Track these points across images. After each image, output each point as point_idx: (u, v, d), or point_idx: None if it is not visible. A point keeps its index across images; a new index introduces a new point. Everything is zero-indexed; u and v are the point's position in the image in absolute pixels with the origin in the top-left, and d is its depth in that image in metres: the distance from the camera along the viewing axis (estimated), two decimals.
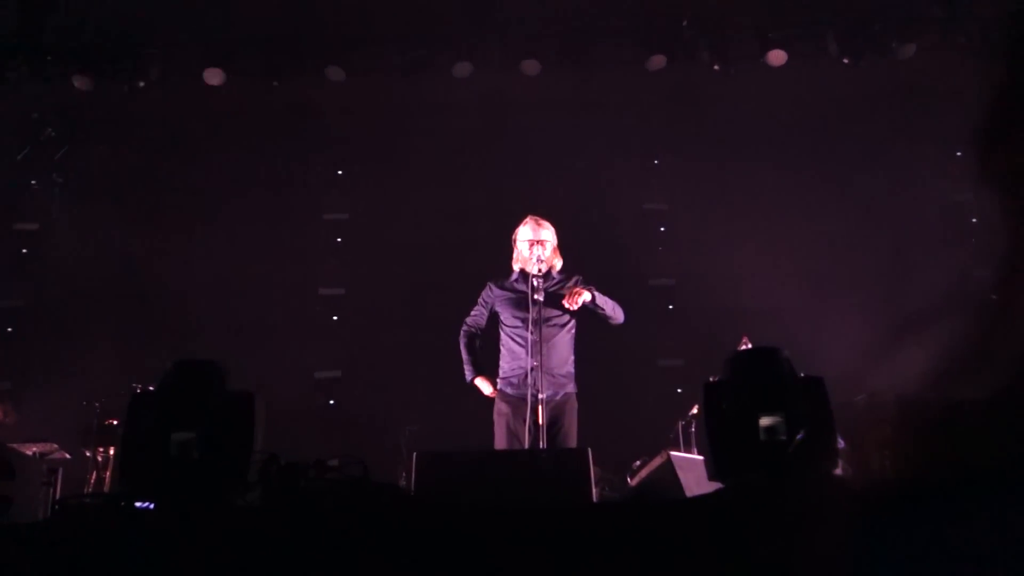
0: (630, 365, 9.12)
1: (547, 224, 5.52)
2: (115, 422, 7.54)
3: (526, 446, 4.87)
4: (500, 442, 5.16)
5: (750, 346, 6.74)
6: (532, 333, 5.13)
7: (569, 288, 5.31)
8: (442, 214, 9.55)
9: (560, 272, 5.51)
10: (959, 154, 10.21)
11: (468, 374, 5.58)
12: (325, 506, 2.54)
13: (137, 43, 8.80)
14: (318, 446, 9.11)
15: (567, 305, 5.15)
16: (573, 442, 5.07)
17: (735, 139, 10.00)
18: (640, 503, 3.42)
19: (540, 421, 4.75)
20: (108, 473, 7.45)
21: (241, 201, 9.72)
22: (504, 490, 3.10)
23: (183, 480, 2.59)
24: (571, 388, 5.32)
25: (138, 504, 2.59)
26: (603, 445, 6.11)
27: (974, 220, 10.05)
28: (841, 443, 6.85)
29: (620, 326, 5.50)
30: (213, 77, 8.76)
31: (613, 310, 5.36)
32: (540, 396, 4.83)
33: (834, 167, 9.84)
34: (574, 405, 5.26)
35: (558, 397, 5.07)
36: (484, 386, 5.50)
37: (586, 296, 5.20)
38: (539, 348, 4.96)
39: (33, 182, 10.27)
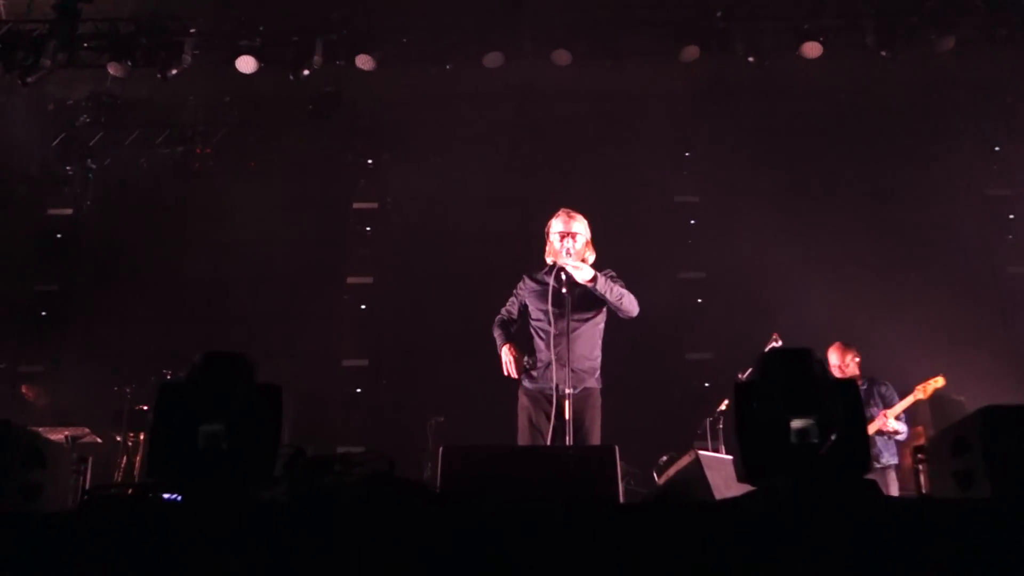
0: (658, 358, 9.06)
1: (579, 217, 5.45)
2: (145, 408, 7.62)
3: (546, 440, 4.85)
4: (523, 436, 5.13)
5: (780, 344, 6.67)
6: (553, 326, 5.09)
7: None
8: (472, 204, 9.52)
9: (592, 266, 5.43)
10: (997, 149, 10.05)
11: (499, 342, 5.47)
12: (350, 502, 2.53)
13: (170, 31, 8.84)
14: (344, 434, 9.22)
15: (567, 268, 5.05)
16: (595, 438, 5.00)
17: (768, 132, 9.90)
18: (667, 504, 3.39)
19: (566, 416, 4.72)
20: (139, 458, 7.53)
21: (272, 190, 9.76)
22: (529, 487, 3.08)
23: (211, 472, 2.59)
24: (593, 383, 5.22)
25: (166, 496, 2.60)
26: (630, 439, 6.06)
27: (1011, 216, 9.88)
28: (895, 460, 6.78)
29: (636, 318, 5.30)
30: (245, 65, 8.79)
31: (619, 300, 5.18)
32: (566, 391, 4.80)
33: (869, 161, 9.72)
34: (597, 400, 5.18)
35: (577, 391, 4.97)
36: (507, 353, 5.34)
37: (584, 272, 5.06)
38: (560, 341, 4.92)
39: (68, 168, 10.38)
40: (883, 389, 6.89)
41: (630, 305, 5.24)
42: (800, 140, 9.82)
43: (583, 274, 5.06)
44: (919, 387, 6.70)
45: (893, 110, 9.83)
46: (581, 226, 5.40)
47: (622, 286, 5.31)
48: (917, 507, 2.63)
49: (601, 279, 5.12)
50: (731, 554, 2.28)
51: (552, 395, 4.89)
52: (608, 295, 5.14)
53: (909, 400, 6.69)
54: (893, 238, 9.30)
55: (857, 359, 7.02)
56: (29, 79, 8.59)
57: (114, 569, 2.26)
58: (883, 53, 8.63)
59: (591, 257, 5.44)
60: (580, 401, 5.01)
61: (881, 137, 9.82)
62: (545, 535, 2.31)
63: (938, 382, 6.69)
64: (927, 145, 9.79)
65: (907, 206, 9.46)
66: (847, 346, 7.08)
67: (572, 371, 4.92)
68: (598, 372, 5.29)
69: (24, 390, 8.64)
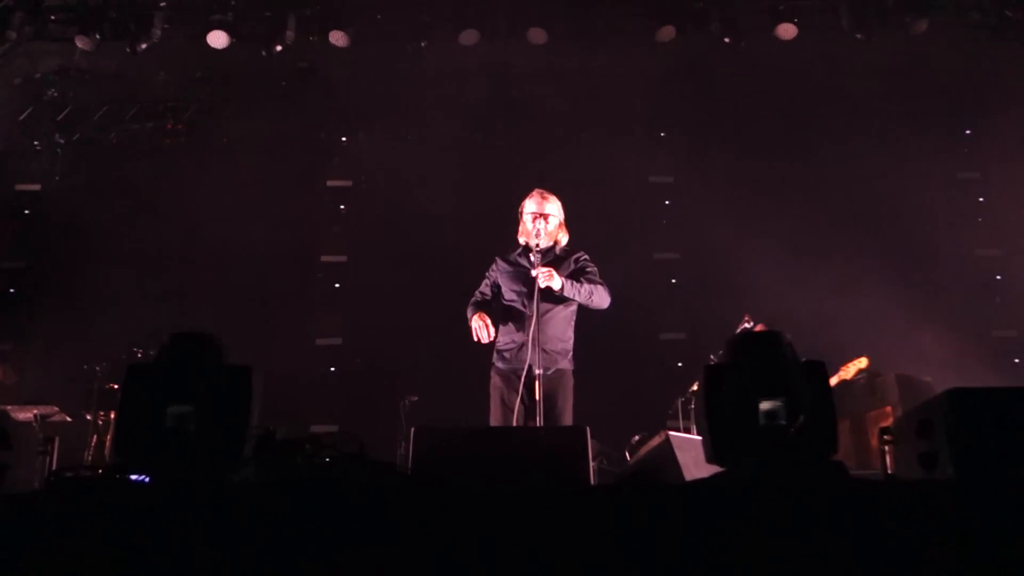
0: (632, 338, 9.09)
1: (553, 198, 5.44)
2: (115, 387, 7.55)
3: (517, 421, 4.85)
4: (495, 415, 5.13)
5: (752, 324, 6.72)
6: (526, 308, 5.10)
7: (566, 265, 5.25)
8: (446, 183, 9.47)
9: (565, 248, 5.43)
10: (968, 132, 10.15)
11: (470, 314, 5.43)
12: (320, 483, 2.53)
13: (140, 4, 8.69)
14: (318, 413, 9.18)
15: (536, 278, 5.00)
16: (567, 419, 5.02)
17: (743, 113, 9.94)
18: (637, 485, 3.42)
19: (537, 396, 4.73)
20: (109, 437, 7.47)
21: (244, 166, 9.65)
22: (501, 468, 3.09)
23: (179, 454, 2.57)
24: (565, 364, 5.22)
25: (133, 477, 2.58)
26: (602, 418, 6.10)
27: (981, 199, 9.98)
28: None
29: (609, 307, 5.30)
30: (217, 40, 8.66)
31: (588, 298, 5.18)
32: (537, 372, 4.81)
33: (842, 143, 9.77)
34: (568, 382, 5.20)
35: (549, 372, 4.99)
36: (477, 319, 5.28)
37: (553, 283, 5.01)
38: (533, 323, 4.91)
39: (35, 143, 10.21)
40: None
41: (600, 300, 5.23)
42: (774, 121, 9.86)
43: (554, 284, 5.02)
44: (843, 367, 6.77)
45: (866, 92, 9.88)
46: (554, 207, 5.40)
47: (594, 275, 5.31)
48: (883, 488, 2.67)
49: (568, 285, 5.10)
50: (700, 533, 2.30)
51: (525, 376, 4.90)
52: (577, 297, 5.16)
53: (833, 380, 6.73)
54: (864, 220, 9.37)
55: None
56: None
57: (81, 550, 2.24)
58: (858, 35, 8.67)
59: (564, 238, 5.44)
60: (552, 382, 5.02)
61: (854, 119, 9.88)
62: (515, 516, 2.32)
63: (861, 363, 6.74)
64: (899, 127, 9.86)
65: (878, 188, 9.52)
66: (770, 326, 7.14)
67: (544, 352, 4.93)
68: (570, 353, 5.30)
69: None
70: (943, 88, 10.01)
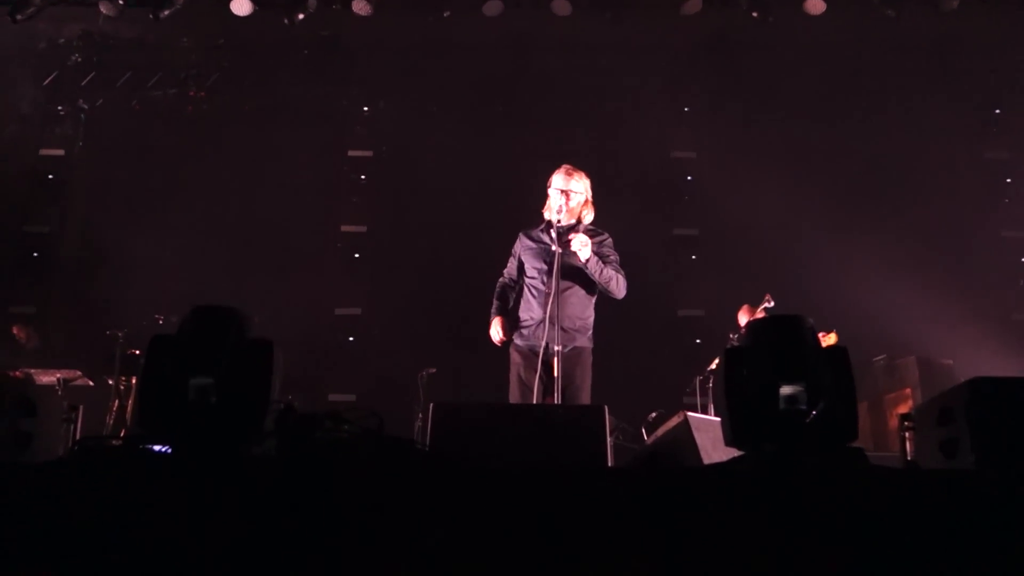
0: (650, 314, 9.05)
1: (580, 175, 5.36)
2: (137, 352, 7.63)
3: (535, 398, 4.85)
4: (513, 393, 5.14)
5: (773, 304, 6.69)
6: (546, 285, 5.07)
7: (593, 242, 5.20)
8: (467, 155, 9.44)
9: (589, 226, 5.37)
10: (997, 111, 9.99)
11: (492, 314, 5.47)
12: (340, 458, 2.55)
13: None
14: (336, 382, 9.25)
15: (572, 242, 4.98)
16: (585, 398, 5.00)
17: (768, 88, 9.82)
18: (654, 466, 3.42)
19: (555, 374, 4.73)
20: (131, 402, 7.56)
21: (265, 135, 9.66)
22: (518, 446, 3.10)
23: (200, 426, 2.59)
24: (584, 342, 5.16)
25: (155, 448, 2.60)
26: (620, 394, 6.12)
27: (1008, 180, 9.85)
28: None
29: (629, 274, 5.28)
30: (240, 7, 8.63)
31: (607, 283, 5.12)
32: (555, 348, 4.80)
33: (867, 121, 9.65)
34: (588, 359, 5.14)
35: (566, 350, 4.97)
36: (495, 329, 5.32)
37: (583, 252, 4.98)
38: (551, 300, 4.91)
39: (59, 108, 10.25)
40: None
41: (617, 289, 5.16)
42: (799, 98, 9.73)
43: (583, 252, 4.99)
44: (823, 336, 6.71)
45: (894, 70, 9.73)
46: (579, 185, 5.32)
47: (616, 264, 5.25)
48: (903, 476, 2.66)
49: (593, 261, 5.05)
50: (717, 519, 2.30)
51: (543, 353, 4.89)
52: (598, 277, 5.10)
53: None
54: (888, 199, 9.28)
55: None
56: (19, 16, 8.44)
57: (103, 520, 2.27)
58: (888, 12, 8.52)
59: (589, 216, 5.38)
60: (570, 360, 5.00)
61: (880, 97, 9.74)
62: (532, 497, 2.33)
63: (830, 339, 6.66)
64: (927, 106, 9.71)
65: (904, 167, 9.41)
66: (753, 307, 7.10)
67: (563, 330, 4.92)
68: (590, 331, 5.25)
69: (15, 331, 8.64)
70: (972, 67, 9.85)
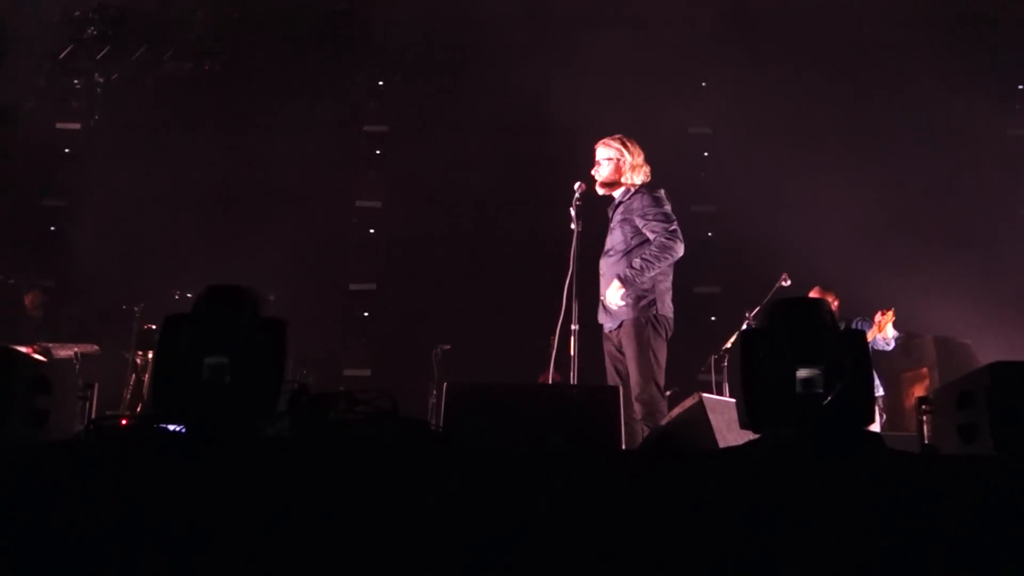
0: None
1: (605, 142, 5.28)
2: (153, 327, 7.67)
3: (572, 380, 4.81)
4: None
5: (789, 283, 6.64)
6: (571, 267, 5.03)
7: (623, 210, 5.14)
8: (484, 129, 9.39)
9: (631, 188, 5.21)
10: (1021, 87, 9.84)
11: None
12: (353, 439, 2.54)
13: None
14: (351, 358, 9.29)
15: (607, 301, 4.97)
16: (632, 369, 4.86)
17: (787, 64, 9.68)
18: (669, 448, 3.41)
19: (571, 352, 4.73)
20: (147, 377, 7.61)
21: (281, 110, 9.63)
22: (531, 426, 3.10)
23: (214, 405, 2.59)
24: (631, 314, 4.97)
25: (170, 427, 2.61)
26: None
27: None
28: (881, 391, 6.84)
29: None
30: None
31: (656, 268, 4.97)
32: (573, 327, 4.81)
33: (887, 95, 9.52)
34: (633, 331, 4.93)
35: (614, 328, 5.01)
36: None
37: (616, 299, 4.93)
38: (570, 280, 4.92)
39: (75, 82, 10.25)
40: (860, 327, 6.86)
41: (664, 262, 5.01)
42: (819, 73, 9.60)
43: (616, 298, 4.92)
44: (874, 326, 6.66)
45: (916, 45, 9.57)
46: (606, 151, 5.26)
47: (653, 219, 5.06)
48: (920, 460, 2.64)
49: (629, 281, 4.92)
50: (732, 503, 2.28)
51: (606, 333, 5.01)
52: (646, 276, 4.94)
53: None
54: (909, 176, 9.16)
55: (836, 302, 6.99)
56: None
57: (117, 500, 2.28)
58: None
59: (633, 176, 5.24)
60: (623, 334, 4.97)
61: (902, 72, 9.59)
62: (545, 480, 2.32)
63: (888, 317, 6.60)
64: (949, 80, 9.54)
65: (925, 142, 9.29)
66: (826, 289, 7.05)
67: (606, 311, 5.01)
68: (643, 301, 5.00)
69: (26, 299, 8.63)
70: (996, 41, 9.68)
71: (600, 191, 5.22)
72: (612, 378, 4.98)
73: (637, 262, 4.93)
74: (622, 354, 4.99)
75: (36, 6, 9.13)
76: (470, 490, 2.32)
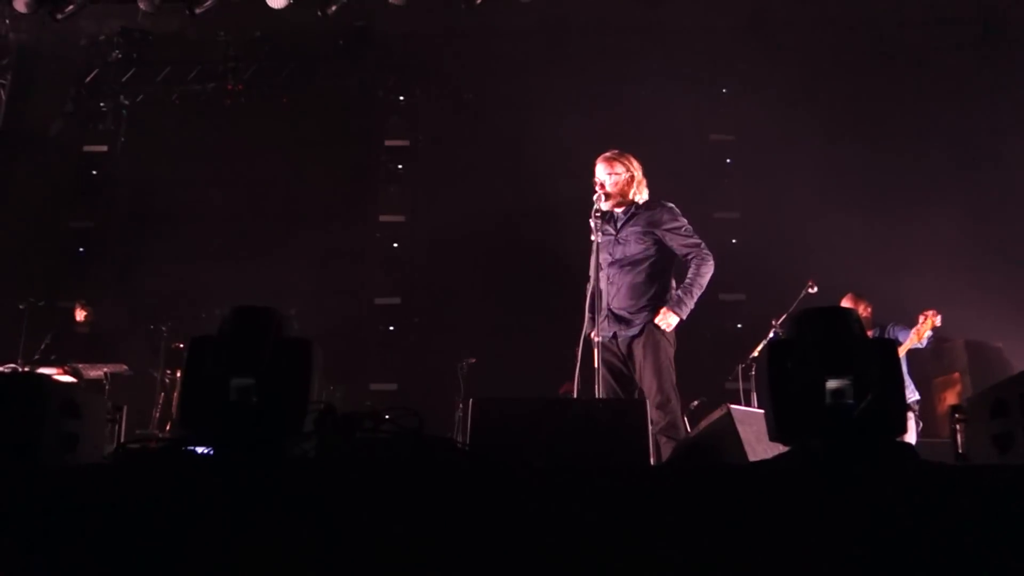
0: None
1: (608, 159, 5.27)
2: (181, 346, 7.73)
3: (596, 392, 4.77)
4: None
5: (816, 290, 6.58)
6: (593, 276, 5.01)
7: (636, 221, 5.13)
8: (505, 141, 9.39)
9: (638, 203, 5.24)
10: None
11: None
12: (380, 458, 2.54)
13: None
14: (377, 372, 9.31)
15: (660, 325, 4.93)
16: (650, 378, 4.81)
17: (809, 69, 9.61)
18: (697, 462, 3.38)
19: (595, 364, 4.69)
20: (176, 395, 7.67)
21: (303, 126, 9.71)
22: (558, 442, 3.08)
23: (242, 426, 2.60)
24: (640, 323, 4.98)
25: (198, 449, 2.62)
26: None
27: None
28: (916, 395, 6.73)
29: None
30: (275, 0, 8.66)
31: (703, 287, 5.07)
32: (596, 339, 4.77)
33: (911, 99, 9.41)
34: (651, 339, 4.91)
35: (628, 337, 4.96)
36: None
37: (671, 321, 4.93)
38: (593, 291, 4.88)
39: (101, 104, 10.40)
40: (893, 333, 6.77)
41: (710, 273, 5.13)
42: (841, 78, 9.52)
43: (671, 321, 4.94)
44: (913, 332, 6.54)
45: (938, 47, 9.47)
46: (617, 166, 5.24)
47: (685, 235, 5.14)
48: (953, 471, 2.59)
49: (685, 305, 4.98)
50: (763, 517, 2.26)
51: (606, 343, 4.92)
52: (696, 297, 5.03)
53: (907, 345, 6.52)
54: (934, 179, 9.04)
55: (869, 309, 6.91)
56: (60, 15, 8.56)
57: (146, 522, 2.29)
58: None
59: (640, 189, 5.28)
60: (637, 343, 4.94)
61: (924, 74, 9.48)
62: (572, 496, 2.30)
63: (931, 321, 6.47)
64: (974, 83, 9.43)
65: (952, 147, 9.17)
66: (859, 296, 6.96)
67: (617, 319, 4.96)
68: (645, 314, 5.01)
69: (77, 306, 8.61)
70: (1021, 38, 9.55)
71: (606, 205, 5.17)
72: (608, 391, 4.92)
73: (687, 290, 5.04)
74: (625, 365, 4.96)
75: (62, 31, 9.25)
76: (497, 509, 2.31)
